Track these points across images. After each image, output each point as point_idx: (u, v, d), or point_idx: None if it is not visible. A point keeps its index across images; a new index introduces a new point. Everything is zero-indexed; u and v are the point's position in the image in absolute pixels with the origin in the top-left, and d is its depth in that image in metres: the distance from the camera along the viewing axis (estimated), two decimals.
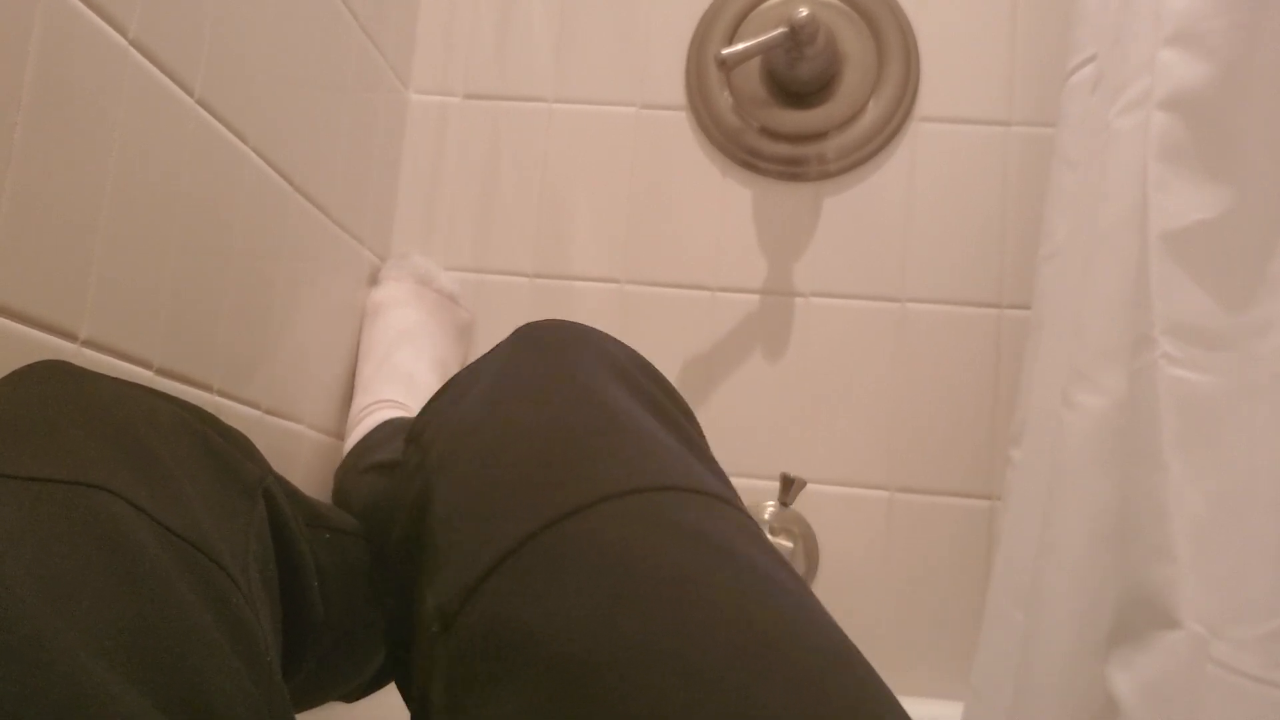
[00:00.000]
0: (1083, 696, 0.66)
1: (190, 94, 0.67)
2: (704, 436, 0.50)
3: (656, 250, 1.09)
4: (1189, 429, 0.64)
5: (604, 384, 0.46)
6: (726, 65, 1.00)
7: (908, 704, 0.35)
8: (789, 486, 0.97)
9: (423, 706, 0.39)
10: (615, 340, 0.51)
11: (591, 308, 1.09)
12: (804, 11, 0.99)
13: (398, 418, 0.90)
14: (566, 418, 0.44)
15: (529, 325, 0.51)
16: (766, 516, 1.02)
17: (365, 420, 0.92)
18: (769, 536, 1.00)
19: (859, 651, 0.35)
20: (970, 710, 0.79)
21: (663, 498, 0.39)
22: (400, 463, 0.51)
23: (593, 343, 0.50)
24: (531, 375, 0.47)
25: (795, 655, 0.33)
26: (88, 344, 0.58)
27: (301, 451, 0.89)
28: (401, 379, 0.96)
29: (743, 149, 1.10)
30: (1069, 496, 0.70)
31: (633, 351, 0.51)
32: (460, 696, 0.36)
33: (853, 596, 0.99)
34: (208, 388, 0.72)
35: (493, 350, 0.51)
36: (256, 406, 0.79)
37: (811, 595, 0.38)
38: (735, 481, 0.48)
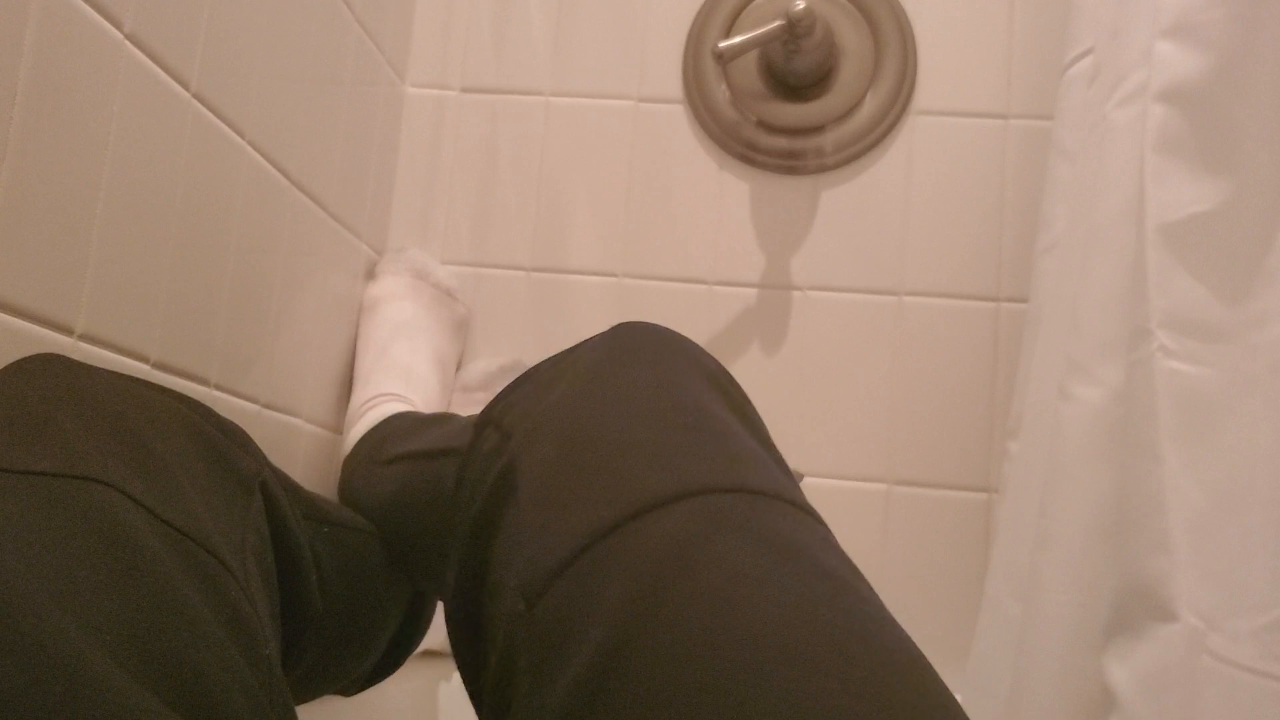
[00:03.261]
0: (1079, 688, 0.66)
1: (186, 88, 0.66)
2: (776, 447, 0.51)
3: (654, 244, 1.09)
4: (1186, 421, 0.64)
5: (696, 386, 0.47)
6: (723, 58, 1.00)
7: None
8: None
9: (503, 680, 0.39)
10: (699, 346, 0.52)
11: (589, 301, 1.09)
12: (801, 5, 0.99)
13: (410, 411, 0.90)
14: (659, 413, 0.44)
15: (622, 325, 0.52)
16: None
17: (370, 413, 0.92)
18: None
19: (932, 667, 0.35)
20: (967, 702, 0.78)
21: (746, 500, 0.40)
22: (457, 449, 0.52)
23: (685, 347, 0.51)
24: (626, 371, 0.47)
25: (861, 659, 0.33)
26: (84, 337, 0.58)
27: (299, 445, 0.89)
28: (399, 372, 0.96)
29: (740, 142, 1.10)
30: (1066, 489, 0.70)
31: (714, 358, 0.52)
32: (541, 673, 0.37)
33: None
34: (205, 382, 0.72)
35: (581, 345, 0.52)
36: (254, 400, 0.79)
37: (886, 610, 0.38)
38: None
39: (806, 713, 0.31)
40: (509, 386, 0.53)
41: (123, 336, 0.61)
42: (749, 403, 0.51)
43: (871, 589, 0.39)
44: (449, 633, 0.48)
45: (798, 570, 0.37)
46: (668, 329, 0.52)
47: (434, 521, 0.62)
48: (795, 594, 0.35)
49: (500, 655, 0.40)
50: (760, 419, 0.51)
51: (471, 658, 0.46)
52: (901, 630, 0.37)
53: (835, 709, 0.31)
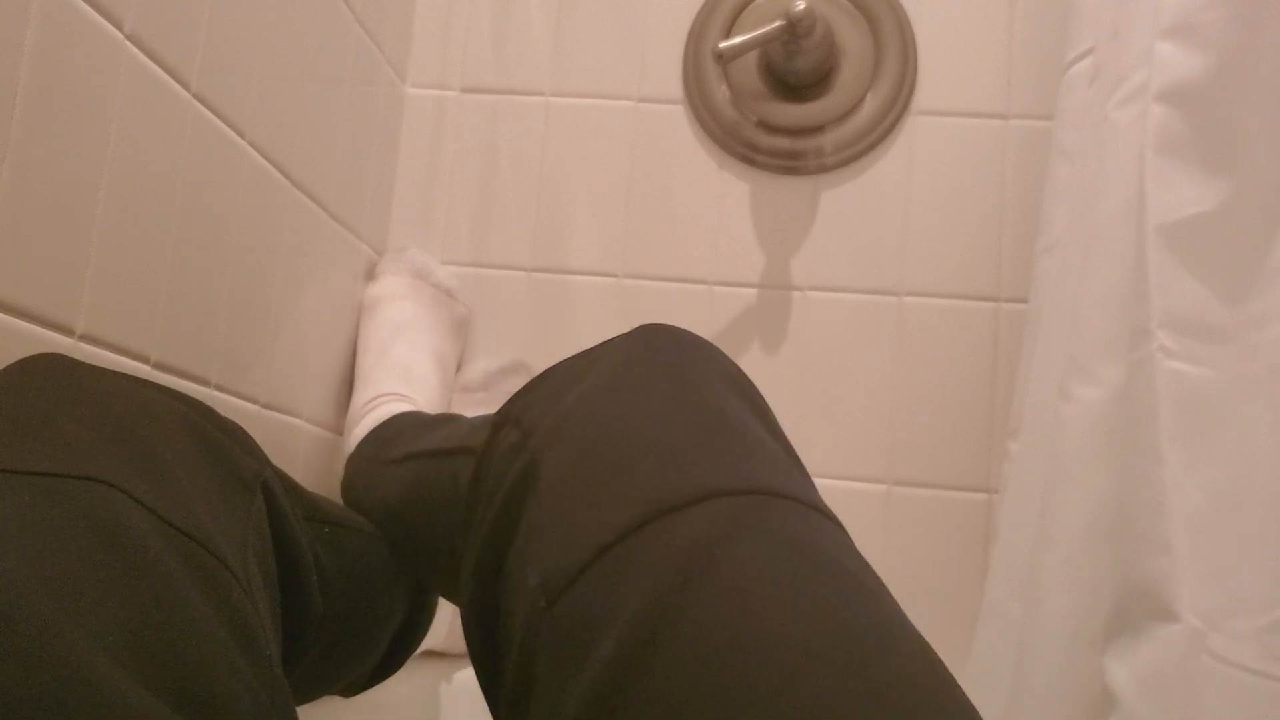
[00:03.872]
0: (1080, 689, 0.66)
1: (187, 88, 0.66)
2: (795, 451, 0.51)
3: (654, 244, 1.09)
4: (1186, 422, 0.64)
5: (716, 388, 0.47)
6: (723, 58, 1.00)
7: None
8: None
9: (521, 677, 0.39)
10: (719, 349, 0.52)
11: (589, 301, 1.09)
12: (801, 5, 0.99)
13: (415, 411, 0.90)
14: (681, 414, 0.44)
15: (644, 327, 0.52)
16: None
17: (372, 413, 0.92)
18: None
19: (952, 677, 0.35)
20: None
21: (766, 503, 0.40)
22: (467, 448, 0.52)
23: (704, 349, 0.51)
24: (649, 371, 0.48)
25: (879, 662, 0.33)
26: (85, 338, 0.58)
27: (300, 445, 0.89)
28: (399, 372, 0.96)
29: (740, 142, 1.10)
30: (1066, 489, 0.70)
31: (736, 365, 0.52)
32: (560, 670, 0.37)
33: None
34: (205, 382, 0.72)
35: (604, 345, 0.52)
36: (254, 400, 0.79)
37: (901, 611, 0.38)
38: None
39: (826, 714, 0.31)
40: (526, 386, 0.53)
41: (123, 337, 0.61)
42: (768, 407, 0.51)
43: (888, 592, 0.40)
44: (464, 631, 0.48)
45: (816, 573, 0.37)
46: (689, 332, 0.52)
47: (446, 520, 0.62)
48: (814, 596, 0.35)
49: (519, 653, 0.40)
50: (777, 422, 0.51)
51: (488, 656, 0.46)
52: (917, 633, 0.37)
53: (855, 711, 0.31)
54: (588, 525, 0.40)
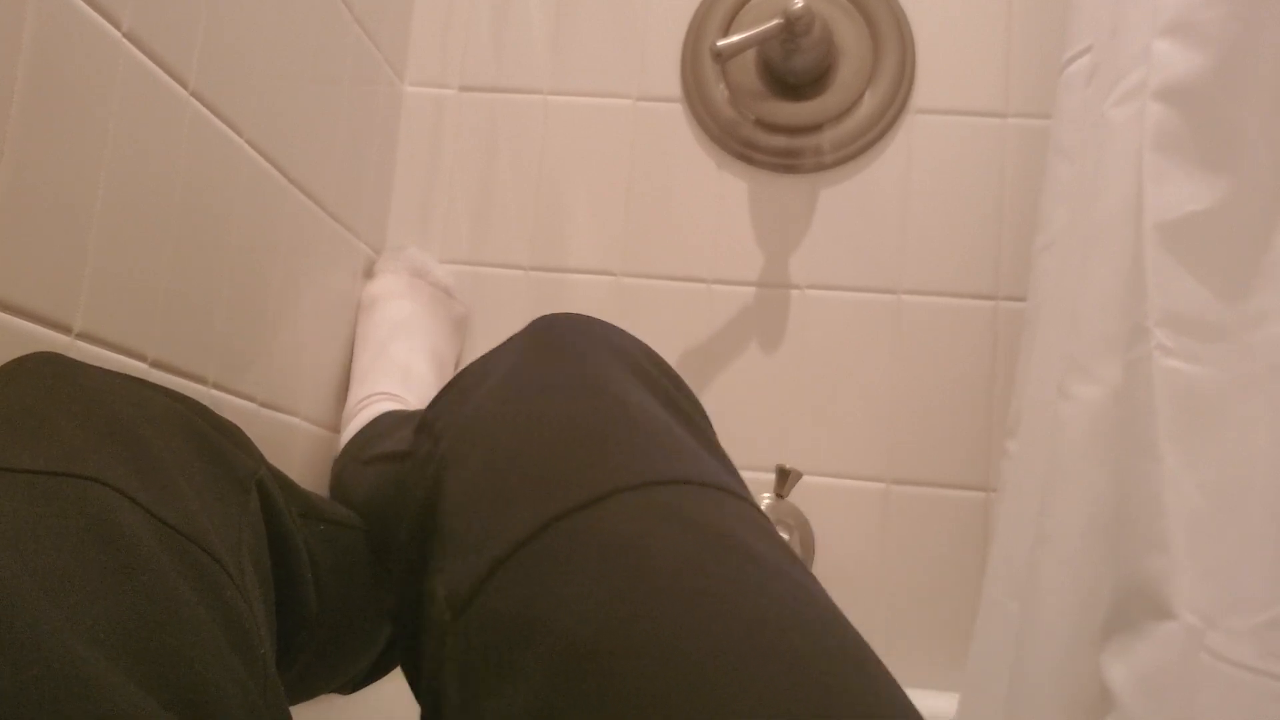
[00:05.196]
0: (1078, 687, 0.66)
1: (185, 86, 0.66)
2: (713, 430, 0.50)
3: (653, 243, 1.09)
4: (1184, 420, 0.64)
5: (617, 377, 0.47)
6: (721, 56, 0.99)
7: None
8: (785, 478, 0.97)
9: (434, 692, 0.39)
10: (627, 334, 0.51)
11: (588, 300, 1.09)
12: (799, 3, 0.99)
13: (397, 410, 0.90)
14: (580, 410, 0.44)
15: (542, 319, 0.51)
16: (762, 508, 1.02)
17: (362, 413, 0.92)
18: None
19: (868, 646, 0.35)
20: (965, 701, 0.79)
21: (674, 491, 0.40)
22: (408, 453, 0.52)
23: (606, 336, 0.50)
24: (545, 368, 0.47)
25: (798, 646, 0.33)
26: (82, 336, 0.58)
27: (297, 444, 0.88)
28: (397, 371, 0.96)
29: (739, 141, 1.09)
30: (1064, 488, 0.70)
31: (645, 345, 0.51)
32: (472, 684, 0.36)
33: (848, 588, 0.99)
34: (203, 381, 0.72)
35: (506, 343, 0.51)
36: (252, 399, 0.79)
37: (821, 590, 0.38)
38: None
39: (742, 705, 0.30)
40: (443, 389, 0.52)
41: (120, 335, 0.61)
42: (678, 384, 0.50)
43: (807, 570, 0.39)
44: (396, 643, 0.48)
45: (731, 560, 0.36)
46: (590, 319, 0.51)
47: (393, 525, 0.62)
48: (730, 585, 0.35)
49: (430, 664, 0.39)
50: (689, 399, 0.50)
51: (411, 666, 0.46)
52: (838, 613, 0.37)
53: (772, 696, 0.31)
54: (487, 535, 0.39)
